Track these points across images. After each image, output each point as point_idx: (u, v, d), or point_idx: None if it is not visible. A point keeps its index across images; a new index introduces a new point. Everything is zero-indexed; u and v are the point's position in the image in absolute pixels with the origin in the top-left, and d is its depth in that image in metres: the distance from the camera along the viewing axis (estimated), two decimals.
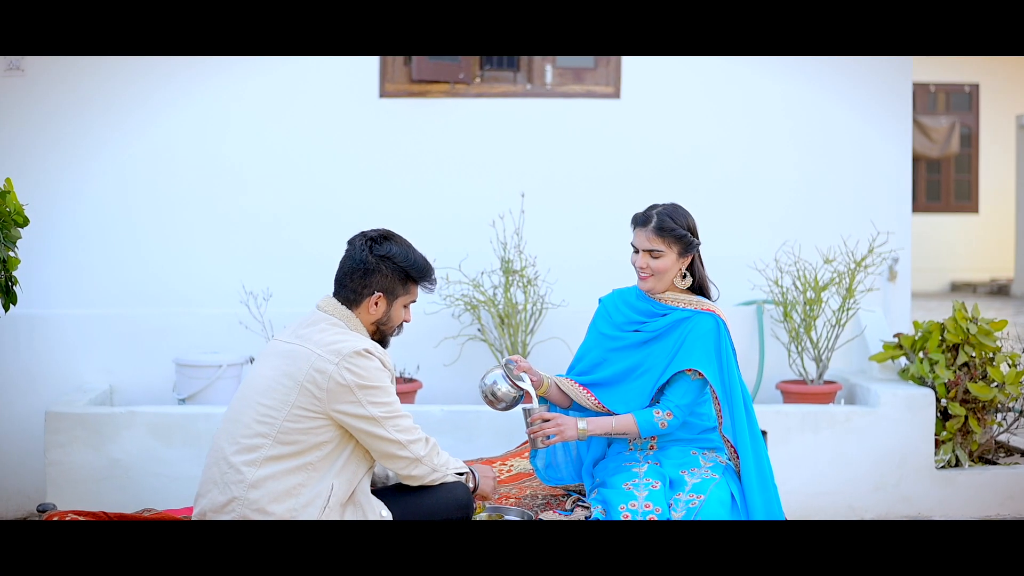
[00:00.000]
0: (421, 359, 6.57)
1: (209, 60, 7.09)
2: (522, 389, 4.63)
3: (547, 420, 4.54)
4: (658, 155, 7.35)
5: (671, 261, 4.57)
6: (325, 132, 7.22)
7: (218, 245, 7.10)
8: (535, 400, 4.65)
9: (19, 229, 5.31)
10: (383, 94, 7.27)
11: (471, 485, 4.37)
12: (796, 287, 6.54)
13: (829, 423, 6.13)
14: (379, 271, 4.15)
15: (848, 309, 6.50)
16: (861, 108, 7.40)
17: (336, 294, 4.22)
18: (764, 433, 5.96)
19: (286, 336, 4.16)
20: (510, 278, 6.49)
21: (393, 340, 6.36)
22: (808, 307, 6.47)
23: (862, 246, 6.60)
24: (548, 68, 7.38)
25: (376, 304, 4.17)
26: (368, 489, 4.19)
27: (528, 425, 4.57)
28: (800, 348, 6.53)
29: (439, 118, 7.30)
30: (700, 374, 4.51)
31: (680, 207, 4.65)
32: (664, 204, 4.64)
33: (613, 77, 7.39)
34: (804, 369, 6.53)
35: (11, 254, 5.17)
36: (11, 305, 5.34)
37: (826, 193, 7.34)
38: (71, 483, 5.78)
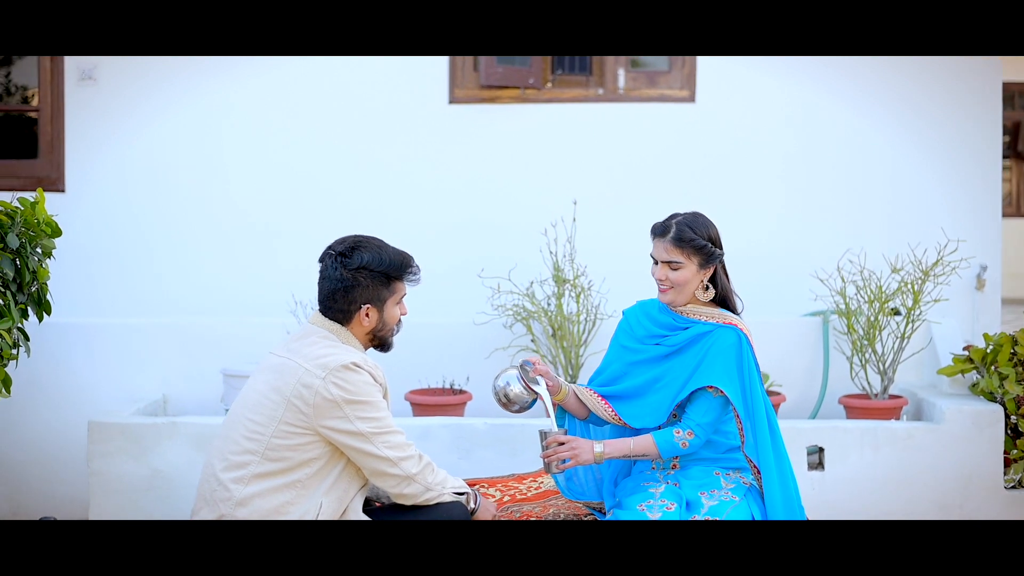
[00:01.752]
0: (471, 370, 6.45)
1: (275, 64, 7.11)
2: (536, 393, 4.50)
3: (562, 443, 4.40)
4: (730, 160, 7.17)
5: (691, 273, 4.41)
6: (392, 139, 7.16)
7: (271, 253, 7.10)
8: (550, 409, 4.53)
9: (52, 240, 5.32)
10: (452, 100, 7.17)
11: (471, 506, 4.25)
12: (860, 297, 6.29)
13: (890, 440, 5.85)
14: (358, 284, 4.08)
15: (913, 320, 6.22)
16: (944, 111, 7.11)
17: (324, 313, 4.13)
18: (821, 450, 5.78)
19: (279, 350, 4.10)
20: (562, 287, 6.34)
21: (443, 351, 6.42)
22: (872, 318, 6.21)
23: (935, 254, 6.31)
24: (621, 72, 7.21)
25: (367, 315, 4.12)
26: (360, 508, 4.10)
27: (543, 448, 4.43)
28: (864, 361, 6.27)
29: (508, 124, 7.19)
30: (721, 391, 4.33)
31: (701, 216, 4.48)
32: (684, 213, 4.47)
33: (688, 80, 7.19)
34: (868, 383, 6.27)
35: (42, 265, 5.15)
36: (44, 315, 5.35)
37: (900, 199, 7.08)
38: (113, 493, 5.76)
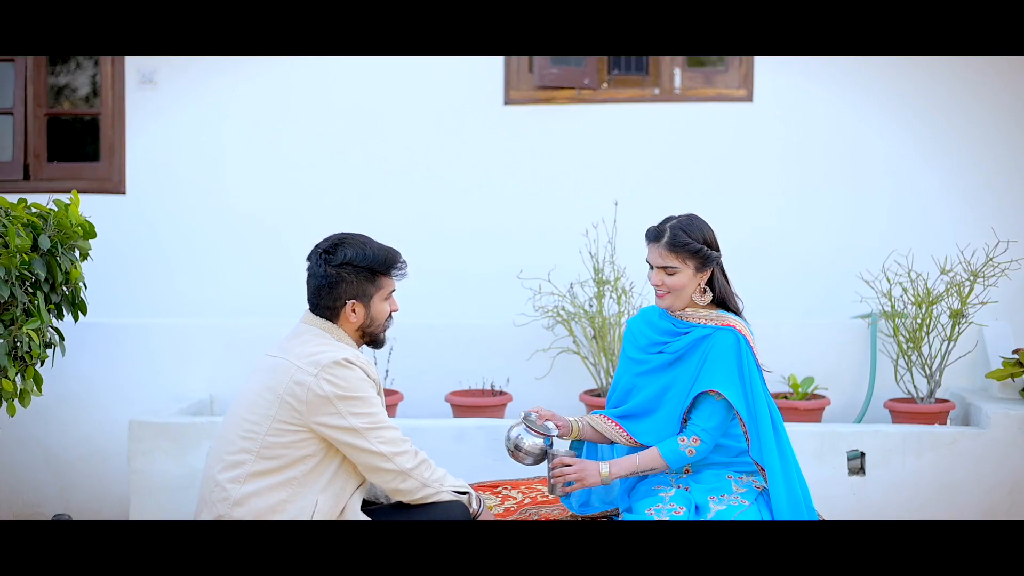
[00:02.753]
0: (512, 372, 6.43)
1: (330, 67, 7.17)
2: (549, 436, 4.44)
3: (568, 465, 4.35)
4: (785, 161, 7.09)
5: (687, 278, 4.34)
6: (447, 141, 7.17)
7: None
8: (564, 443, 4.49)
9: (87, 241, 5.39)
10: (508, 101, 7.16)
11: (473, 507, 4.23)
12: (906, 299, 6.16)
13: (933, 445, 5.72)
14: (343, 280, 4.08)
15: (959, 323, 6.08)
16: (995, 112, 6.94)
17: (314, 311, 4.14)
18: (863, 455, 5.67)
19: (274, 350, 4.11)
20: (602, 288, 6.29)
21: (483, 352, 6.40)
22: (918, 320, 6.08)
23: (983, 255, 6.16)
24: (677, 72, 7.14)
25: (354, 311, 4.11)
26: (358, 507, 4.09)
27: (549, 470, 4.39)
28: (910, 364, 6.15)
29: (562, 125, 7.16)
30: (723, 395, 4.26)
31: (697, 218, 4.41)
32: (679, 216, 4.40)
33: (746, 79, 7.11)
34: (915, 386, 6.14)
35: (75, 266, 5.23)
36: (80, 315, 5.43)
37: (948, 200, 6.96)
38: (153, 492, 5.83)
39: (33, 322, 4.85)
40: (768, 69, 7.07)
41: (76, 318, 5.45)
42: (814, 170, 7.03)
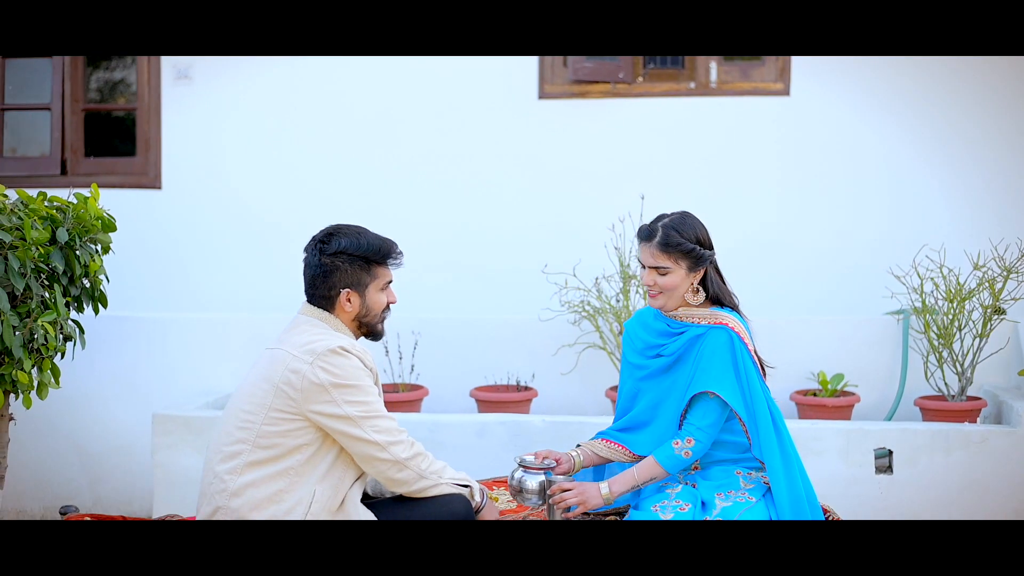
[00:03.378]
0: (537, 367, 6.40)
1: (363, 63, 7.17)
2: (549, 469, 4.35)
3: (567, 489, 4.27)
4: (821, 155, 6.97)
5: (680, 277, 4.26)
6: (481, 135, 7.13)
7: None
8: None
9: (108, 235, 5.41)
10: (542, 95, 7.11)
11: (476, 499, 4.19)
12: (937, 294, 6.05)
13: (962, 444, 5.61)
14: (337, 268, 4.06)
15: (991, 319, 5.96)
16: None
17: (310, 302, 4.13)
18: (890, 453, 5.58)
19: (272, 342, 4.09)
20: (628, 283, 6.23)
21: (508, 348, 6.35)
22: (948, 316, 5.97)
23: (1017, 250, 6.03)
24: (713, 65, 7.06)
25: (349, 300, 4.09)
26: (358, 499, 4.06)
27: (546, 496, 4.31)
28: (940, 360, 6.04)
29: (597, 119, 7.10)
30: (717, 394, 4.18)
31: (690, 216, 4.32)
32: (672, 215, 4.32)
33: (783, 73, 7.02)
34: (946, 384, 6.04)
35: (94, 259, 5.24)
36: (100, 308, 5.45)
37: (981, 194, 6.82)
38: (177, 485, 5.84)
39: (49, 314, 4.86)
40: (806, 62, 6.97)
41: (96, 311, 5.46)
42: (848, 166, 6.92)
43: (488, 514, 4.23)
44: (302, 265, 4.16)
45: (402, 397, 6.19)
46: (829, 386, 6.19)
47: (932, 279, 6.04)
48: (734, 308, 4.37)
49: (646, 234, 4.28)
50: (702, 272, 4.29)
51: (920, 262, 6.09)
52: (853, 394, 6.17)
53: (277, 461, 3.92)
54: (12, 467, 6.38)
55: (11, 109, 7.57)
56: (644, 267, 4.30)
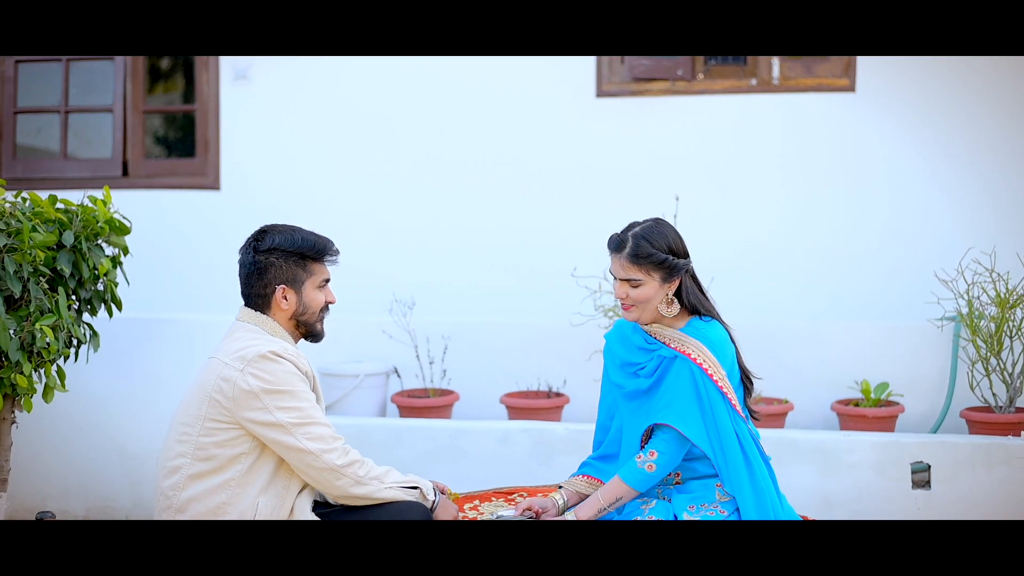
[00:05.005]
0: (569, 373, 6.24)
1: (421, 63, 7.13)
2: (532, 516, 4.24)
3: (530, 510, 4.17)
4: (886, 153, 6.72)
5: (653, 289, 4.06)
6: (539, 135, 7.02)
7: (377, 251, 7.14)
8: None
9: (122, 238, 5.39)
10: (600, 93, 6.97)
11: (429, 498, 4.05)
12: (984, 299, 5.73)
13: (1005, 457, 5.28)
14: (271, 265, 3.99)
15: None
16: None
17: (247, 304, 4.03)
18: (928, 467, 5.31)
19: (213, 352, 4.00)
20: None
21: (539, 352, 6.21)
22: (996, 323, 5.65)
23: None
24: (775, 61, 6.82)
25: (285, 298, 4.00)
26: (307, 509, 3.96)
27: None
28: (987, 369, 5.71)
29: (656, 117, 6.93)
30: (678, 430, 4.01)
31: (662, 224, 4.12)
32: (643, 222, 4.12)
33: (848, 69, 6.76)
34: (993, 394, 5.71)
35: (102, 261, 5.22)
36: (114, 311, 5.43)
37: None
38: None
39: (49, 318, 4.84)
40: (871, 57, 6.70)
41: (111, 314, 5.45)
42: (911, 163, 6.66)
43: (443, 513, 4.10)
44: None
45: (432, 402, 6.09)
46: (872, 395, 5.92)
47: (980, 283, 5.72)
48: (712, 316, 4.17)
49: (616, 244, 4.09)
50: (676, 282, 4.10)
51: (967, 266, 5.78)
52: (897, 404, 5.89)
53: (217, 473, 3.84)
54: (53, 468, 6.44)
55: (75, 111, 7.64)
56: (616, 279, 4.12)
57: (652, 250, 4.02)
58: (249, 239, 4.05)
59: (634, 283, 4.05)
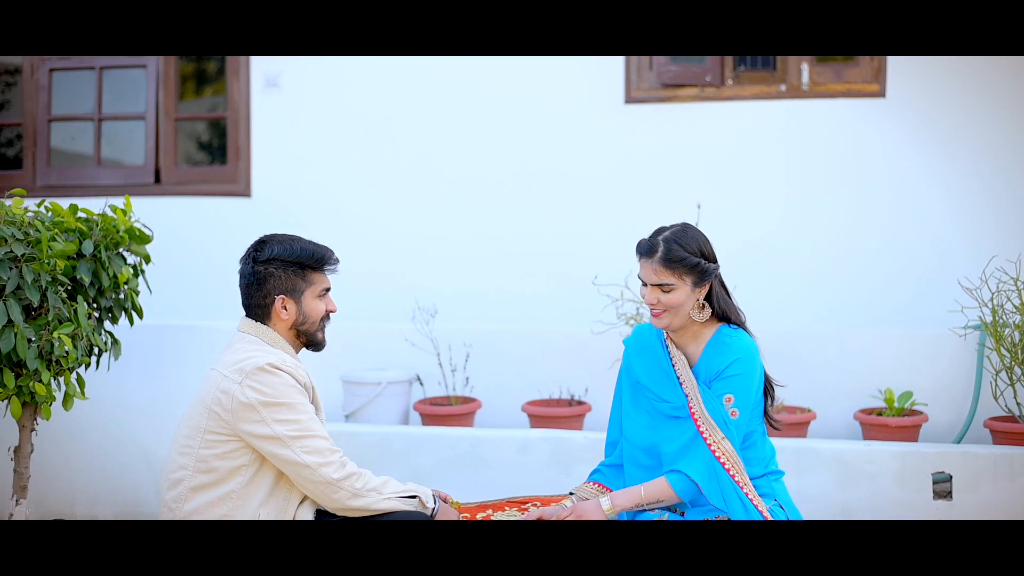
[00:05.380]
0: (591, 381, 6.22)
1: (447, 67, 7.16)
2: None
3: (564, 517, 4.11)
4: (917, 159, 6.65)
5: (685, 294, 4.00)
6: (566, 142, 7.02)
7: (401, 257, 7.18)
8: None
9: (143, 247, 5.44)
10: (629, 100, 6.95)
11: (429, 505, 4.03)
12: (1007, 307, 5.66)
13: None
14: (271, 275, 3.98)
15: None
16: None
17: (247, 314, 4.04)
18: (950, 478, 5.26)
19: (213, 363, 4.01)
20: None
21: (561, 359, 6.20)
22: (1020, 331, 5.59)
23: None
24: (805, 67, 6.79)
25: (285, 308, 4.00)
26: (310, 519, 3.96)
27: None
28: (1012, 378, 5.65)
29: (683, 123, 6.93)
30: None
31: (691, 228, 4.06)
32: (672, 227, 4.06)
33: (878, 74, 6.71)
34: (1018, 403, 5.64)
35: (122, 272, 5.27)
36: (135, 319, 5.48)
37: None
38: None
39: (67, 326, 4.89)
40: (902, 62, 6.66)
41: (131, 322, 5.50)
42: (947, 169, 6.60)
43: (444, 519, 4.07)
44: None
45: (454, 410, 6.09)
46: (896, 404, 5.87)
47: (1005, 292, 5.66)
48: (740, 325, 4.13)
49: (647, 249, 4.02)
50: (707, 287, 4.06)
51: (991, 274, 5.72)
52: (920, 413, 5.84)
53: (218, 486, 3.85)
54: (81, 473, 6.49)
55: (108, 119, 7.71)
56: (645, 285, 4.06)
57: (684, 254, 3.97)
58: (249, 249, 4.06)
59: (666, 288, 4.00)
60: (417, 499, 4.01)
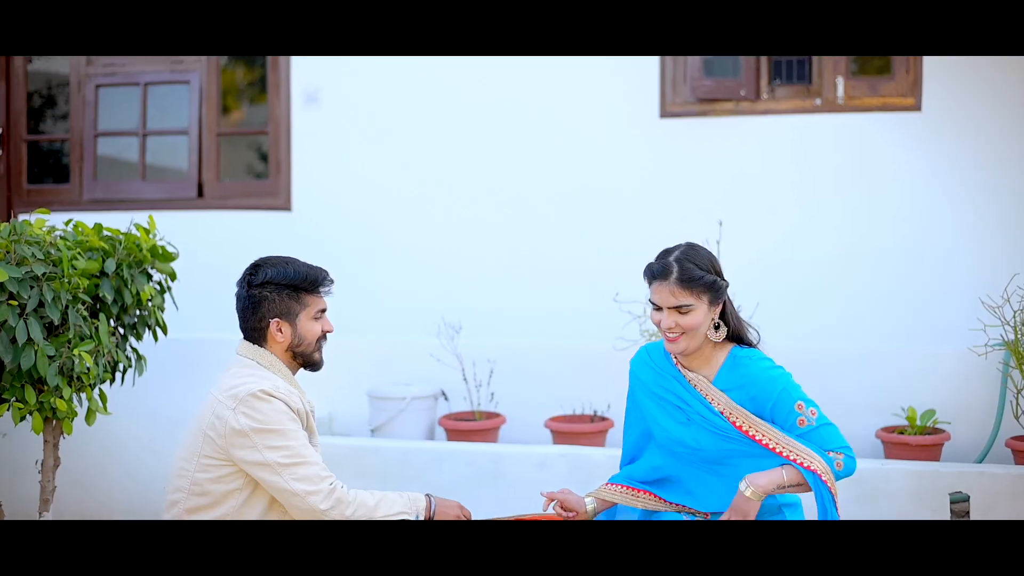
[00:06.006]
0: (613, 397, 6.22)
1: (482, 82, 7.24)
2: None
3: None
4: (952, 174, 6.62)
5: (702, 314, 3.93)
6: (600, 157, 7.04)
7: (429, 272, 7.26)
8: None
9: (168, 264, 5.55)
10: (664, 114, 6.97)
11: (422, 517, 4.05)
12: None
13: None
14: (265, 299, 4.03)
15: None
16: None
17: (245, 337, 4.10)
18: (967, 498, 5.21)
19: (211, 387, 4.07)
20: None
21: (585, 375, 6.24)
22: None
23: None
24: (840, 80, 6.77)
25: (280, 331, 4.05)
26: None
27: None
28: None
29: (716, 138, 6.95)
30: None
31: (699, 247, 4.02)
32: (679, 247, 4.00)
33: (913, 87, 6.67)
34: None
35: (144, 290, 5.38)
36: (159, 335, 5.59)
37: None
38: None
39: (87, 344, 4.99)
40: (938, 75, 6.62)
41: (156, 338, 5.61)
42: (977, 183, 6.56)
43: (443, 516, 4.11)
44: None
45: (479, 425, 6.14)
46: (918, 422, 5.83)
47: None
48: (752, 345, 4.09)
49: (660, 271, 3.95)
50: (721, 305, 4.00)
51: (1014, 291, 5.68)
52: (943, 432, 5.80)
53: (212, 509, 3.91)
54: (110, 486, 6.62)
55: (152, 134, 7.85)
56: (659, 308, 3.98)
57: (700, 272, 3.92)
58: (244, 272, 4.11)
59: (684, 309, 3.93)
60: (411, 515, 4.04)
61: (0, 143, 7.87)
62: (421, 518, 4.05)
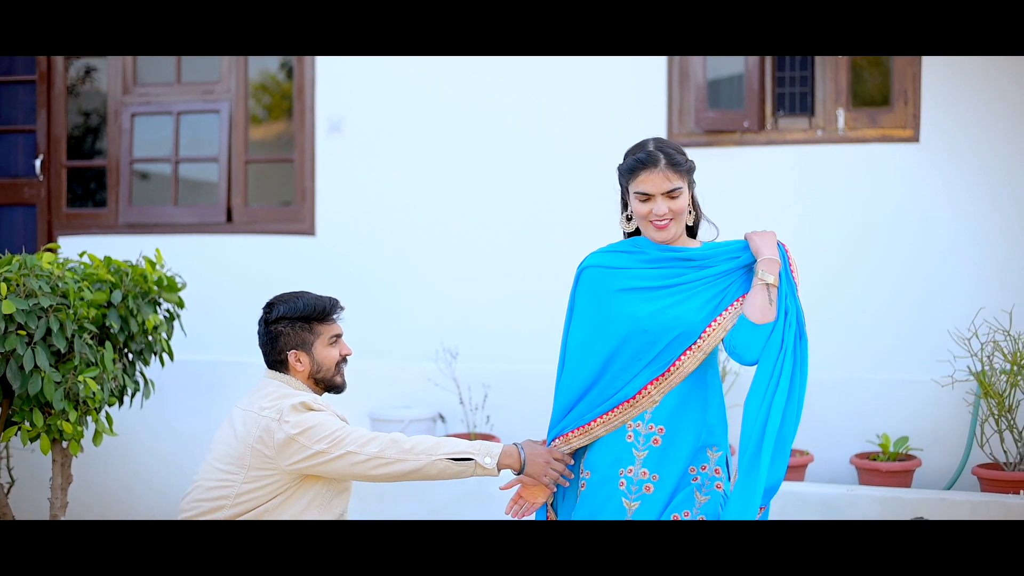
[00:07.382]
0: None
1: (502, 119, 7.47)
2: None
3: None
4: (951, 206, 6.78)
5: (687, 197, 3.98)
6: (604, 186, 7.21)
7: (431, 297, 7.51)
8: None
9: (175, 294, 5.89)
10: None
11: (487, 465, 4.13)
12: (996, 357, 5.79)
13: (1003, 514, 5.34)
14: (280, 333, 4.34)
15: None
16: None
17: (269, 367, 4.41)
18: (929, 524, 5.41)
19: (243, 403, 4.33)
20: None
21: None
22: (1009, 381, 5.71)
23: None
24: (840, 112, 6.97)
25: (299, 361, 4.34)
26: None
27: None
28: (999, 427, 5.76)
29: (721, 168, 7.07)
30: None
31: (660, 137, 4.21)
32: (649, 140, 4.02)
33: (912, 119, 6.85)
34: (1004, 450, 5.75)
35: (150, 317, 5.71)
36: (166, 360, 5.93)
37: None
38: None
39: (92, 370, 5.33)
40: (937, 107, 6.77)
41: (163, 364, 5.95)
42: (973, 215, 6.72)
43: (533, 468, 4.16)
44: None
45: None
46: (891, 449, 6.02)
47: (995, 341, 5.79)
48: (695, 236, 4.17)
49: (649, 159, 3.94)
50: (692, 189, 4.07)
51: (979, 325, 5.86)
52: (914, 458, 5.98)
53: (251, 512, 4.18)
54: (128, 506, 6.96)
55: (184, 161, 8.20)
56: (647, 199, 3.97)
57: (680, 156, 3.97)
58: (262, 311, 4.42)
59: (675, 192, 3.95)
60: (472, 462, 4.14)
61: (40, 169, 8.27)
62: (487, 465, 4.15)
